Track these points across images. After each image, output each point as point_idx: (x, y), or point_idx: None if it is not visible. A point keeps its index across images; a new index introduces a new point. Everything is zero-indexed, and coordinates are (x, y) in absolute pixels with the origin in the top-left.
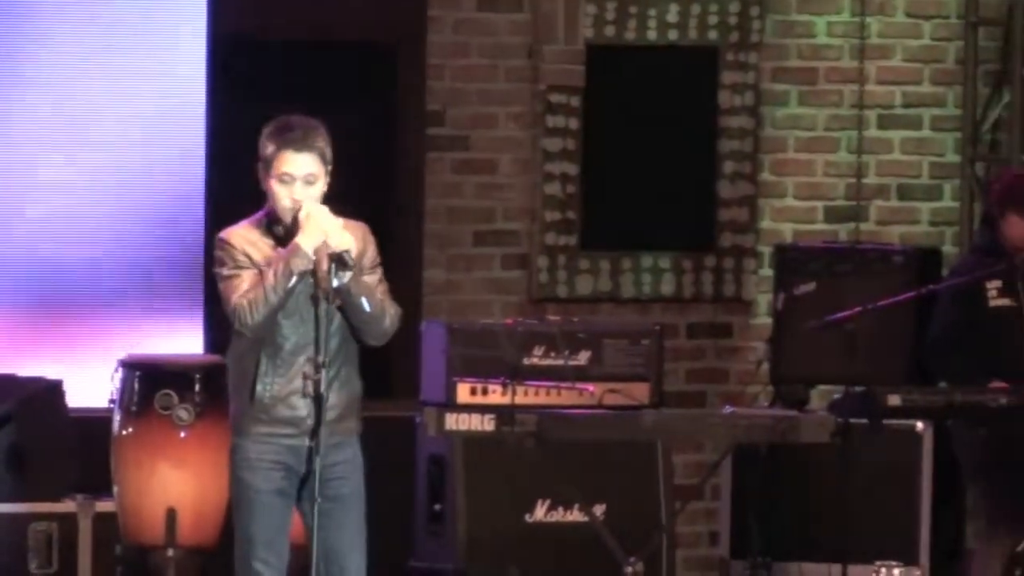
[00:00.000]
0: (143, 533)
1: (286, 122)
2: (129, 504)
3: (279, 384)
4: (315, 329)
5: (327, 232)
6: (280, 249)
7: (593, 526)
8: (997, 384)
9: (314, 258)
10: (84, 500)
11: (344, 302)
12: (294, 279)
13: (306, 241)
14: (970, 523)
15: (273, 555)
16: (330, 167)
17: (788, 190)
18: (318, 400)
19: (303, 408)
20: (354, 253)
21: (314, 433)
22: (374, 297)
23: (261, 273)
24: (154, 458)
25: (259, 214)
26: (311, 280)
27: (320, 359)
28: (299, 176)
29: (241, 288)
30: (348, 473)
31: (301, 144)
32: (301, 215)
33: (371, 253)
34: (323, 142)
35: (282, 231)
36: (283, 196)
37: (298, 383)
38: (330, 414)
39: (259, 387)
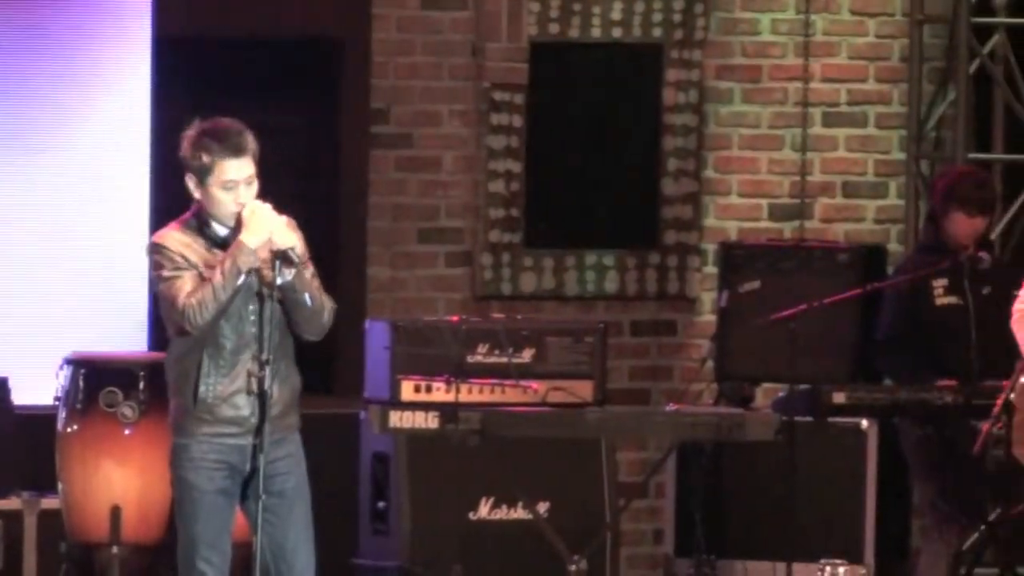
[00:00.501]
0: (88, 530)
1: (216, 128)
2: (74, 501)
3: (222, 384)
4: (259, 327)
5: (272, 229)
6: (217, 251)
7: (537, 524)
8: (944, 383)
9: (260, 255)
10: (29, 497)
11: (287, 298)
12: (242, 277)
13: (251, 239)
14: (916, 521)
15: (216, 555)
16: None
17: (732, 187)
18: (262, 397)
19: (246, 407)
20: (299, 250)
21: (258, 430)
22: (314, 292)
23: (200, 275)
24: (99, 455)
25: (186, 216)
26: (251, 278)
27: (264, 356)
28: (241, 180)
29: (185, 289)
30: (291, 468)
31: (239, 149)
32: (245, 213)
33: (301, 245)
34: (254, 143)
35: (222, 235)
36: (229, 202)
37: (241, 382)
38: (273, 410)
39: (202, 388)
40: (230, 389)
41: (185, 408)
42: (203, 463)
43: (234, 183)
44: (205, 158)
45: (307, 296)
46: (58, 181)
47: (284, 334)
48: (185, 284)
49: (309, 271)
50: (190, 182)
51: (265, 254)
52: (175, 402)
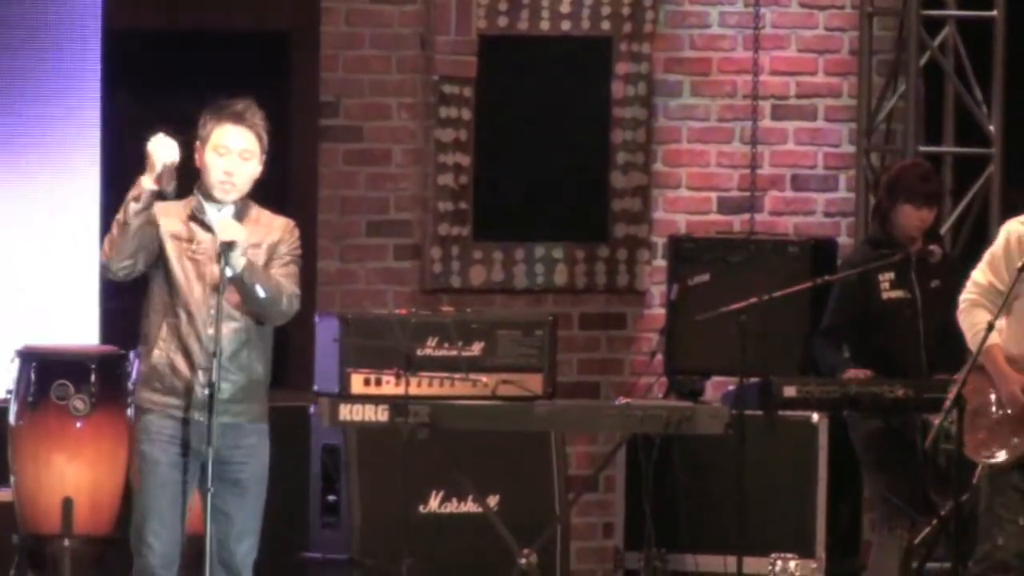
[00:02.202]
0: (40, 522)
1: (228, 100)
2: (26, 494)
3: (173, 352)
4: (194, 322)
5: (165, 161)
6: (195, 225)
7: (487, 517)
8: (855, 372)
9: (154, 187)
10: None
11: (239, 290)
12: (136, 205)
13: (145, 178)
14: (867, 515)
15: (165, 530)
16: (265, 154)
17: (682, 180)
18: (211, 388)
19: (195, 381)
20: (242, 242)
21: (209, 420)
22: (269, 281)
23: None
24: (50, 448)
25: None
26: (207, 271)
27: (212, 348)
28: (235, 149)
29: None
30: (248, 459)
31: (239, 118)
32: (148, 146)
33: (287, 245)
34: (261, 122)
35: (207, 212)
36: (218, 168)
37: (196, 359)
38: (223, 394)
39: (156, 352)
40: (180, 359)
41: (143, 375)
42: (159, 436)
43: (226, 149)
44: (209, 124)
45: (258, 287)
46: (7, 174)
47: (247, 322)
48: None
49: (287, 268)
50: (196, 152)
51: (161, 184)
52: (137, 372)
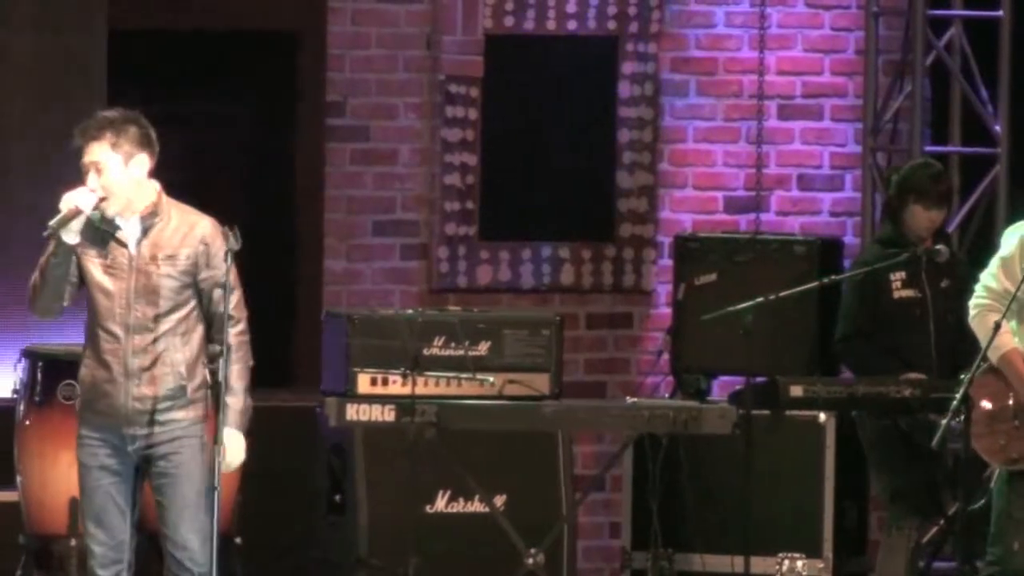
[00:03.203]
0: (46, 522)
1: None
2: (32, 494)
3: (95, 369)
4: (116, 339)
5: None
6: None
7: (494, 517)
8: (914, 376)
9: (65, 241)
10: None
11: None
12: (53, 261)
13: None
14: (874, 514)
15: (102, 530)
16: (137, 155)
17: (688, 180)
18: (215, 389)
19: (119, 395)
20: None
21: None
22: (248, 395)
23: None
24: (57, 448)
25: None
26: (125, 285)
27: (136, 363)
28: (88, 164)
29: None
30: (174, 450)
31: (80, 135)
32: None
33: (223, 267)
34: (113, 132)
35: (110, 223)
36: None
37: (115, 371)
38: (147, 403)
39: (83, 370)
40: (102, 376)
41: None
42: (88, 440)
43: (84, 167)
44: None
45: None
46: (10, 173)
47: (175, 332)
48: None
49: (220, 291)
50: None
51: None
52: None
